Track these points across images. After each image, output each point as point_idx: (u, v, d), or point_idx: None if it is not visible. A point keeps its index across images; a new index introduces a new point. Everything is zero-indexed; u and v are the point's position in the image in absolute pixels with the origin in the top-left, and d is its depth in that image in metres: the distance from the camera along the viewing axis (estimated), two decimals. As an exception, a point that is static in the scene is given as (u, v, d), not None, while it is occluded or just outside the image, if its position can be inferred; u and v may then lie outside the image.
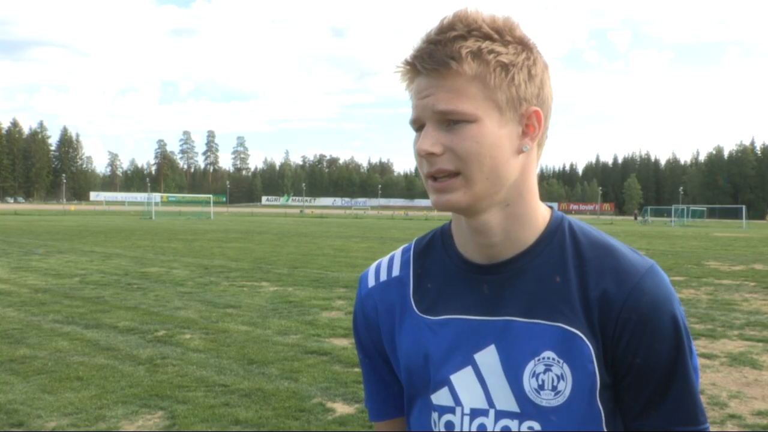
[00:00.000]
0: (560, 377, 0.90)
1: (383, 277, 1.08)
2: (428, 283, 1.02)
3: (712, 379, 6.05)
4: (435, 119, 0.89)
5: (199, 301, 10.11)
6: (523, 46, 0.91)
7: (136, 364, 6.29)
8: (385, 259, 1.10)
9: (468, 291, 0.97)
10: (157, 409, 5.04)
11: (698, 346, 7.39)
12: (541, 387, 0.91)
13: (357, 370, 6.15)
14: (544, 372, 0.91)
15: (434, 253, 1.04)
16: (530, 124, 0.92)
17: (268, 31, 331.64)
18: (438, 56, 0.87)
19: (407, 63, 0.91)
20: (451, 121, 0.88)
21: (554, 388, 0.91)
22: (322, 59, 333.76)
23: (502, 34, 0.89)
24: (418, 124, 0.92)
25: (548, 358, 0.91)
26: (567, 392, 0.90)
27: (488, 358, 0.94)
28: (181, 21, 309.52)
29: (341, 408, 5.10)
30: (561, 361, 0.91)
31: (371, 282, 1.09)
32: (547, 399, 0.91)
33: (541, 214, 0.97)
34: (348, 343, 7.31)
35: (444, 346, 0.97)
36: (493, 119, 0.88)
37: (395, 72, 0.93)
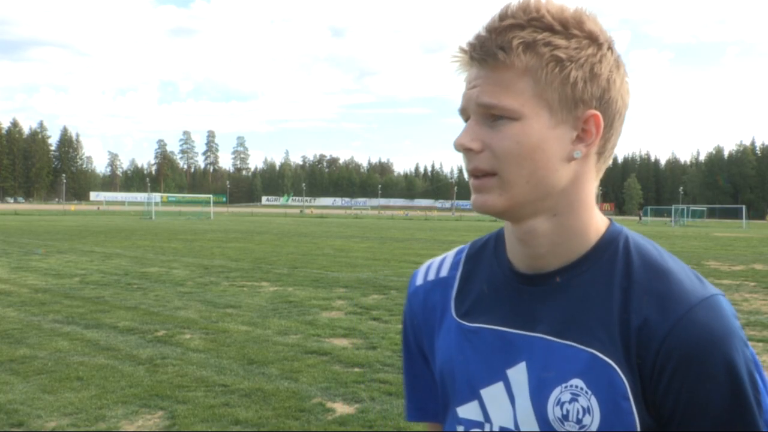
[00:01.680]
0: (586, 410, 0.81)
1: (431, 276, 1.03)
2: (472, 287, 0.96)
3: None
4: (479, 112, 0.83)
5: (199, 301, 10.10)
6: (591, 41, 0.82)
7: (136, 364, 6.29)
8: (437, 259, 1.06)
9: (508, 301, 0.91)
10: (157, 409, 5.03)
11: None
12: (566, 417, 0.82)
13: (357, 370, 6.16)
14: (570, 401, 0.82)
15: (485, 257, 0.98)
16: (587, 129, 0.83)
17: (268, 31, 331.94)
18: (488, 46, 0.81)
19: (462, 50, 0.85)
20: (494, 116, 0.82)
21: (579, 421, 0.81)
22: (322, 59, 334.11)
23: (568, 26, 0.81)
24: (465, 116, 0.86)
25: (575, 386, 0.82)
26: (593, 428, 0.80)
27: (519, 375, 0.87)
28: (180, 21, 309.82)
29: (341, 408, 5.09)
30: (589, 392, 0.81)
31: (419, 280, 1.04)
32: (571, 431, 0.82)
33: (594, 227, 0.88)
34: (348, 343, 7.32)
35: (477, 356, 0.91)
36: (541, 119, 0.81)
37: (451, 61, 0.86)
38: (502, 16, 0.83)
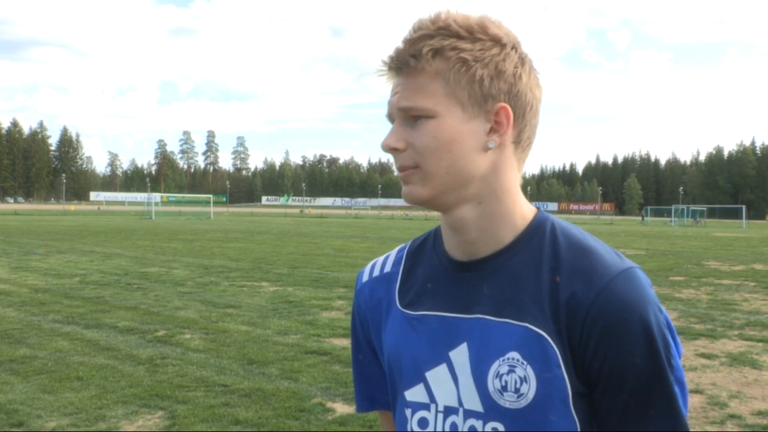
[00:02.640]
0: (523, 379, 0.88)
1: (376, 273, 1.10)
2: (414, 279, 1.03)
3: (712, 379, 6.05)
4: (400, 116, 0.91)
5: (199, 301, 10.11)
6: (495, 42, 0.90)
7: (136, 364, 6.29)
8: (381, 258, 1.13)
9: (447, 287, 0.98)
10: (157, 409, 5.04)
11: (698, 346, 7.39)
12: (504, 388, 0.89)
13: (357, 370, 6.16)
14: (508, 373, 0.89)
15: (425, 252, 1.05)
16: (499, 121, 0.90)
17: (267, 31, 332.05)
18: (402, 55, 0.90)
19: (383, 62, 0.93)
20: (414, 117, 0.90)
21: (517, 390, 0.89)
22: (322, 59, 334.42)
23: (473, 32, 0.89)
24: (391, 120, 0.94)
25: (512, 358, 0.89)
26: (530, 395, 0.88)
27: (461, 356, 0.94)
28: (179, 21, 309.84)
29: (341, 408, 5.10)
30: (525, 362, 0.89)
31: (365, 278, 1.12)
32: (510, 401, 0.89)
33: (520, 214, 0.96)
34: (348, 343, 7.30)
35: (421, 342, 0.97)
36: (455, 115, 0.89)
37: (378, 75, 0.95)
38: (414, 29, 0.91)
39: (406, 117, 0.91)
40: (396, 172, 0.96)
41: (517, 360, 0.89)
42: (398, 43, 0.92)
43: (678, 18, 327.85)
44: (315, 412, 4.99)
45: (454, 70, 0.88)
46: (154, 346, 7.00)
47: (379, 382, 1.10)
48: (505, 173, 0.93)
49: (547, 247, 0.94)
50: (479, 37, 0.89)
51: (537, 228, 0.95)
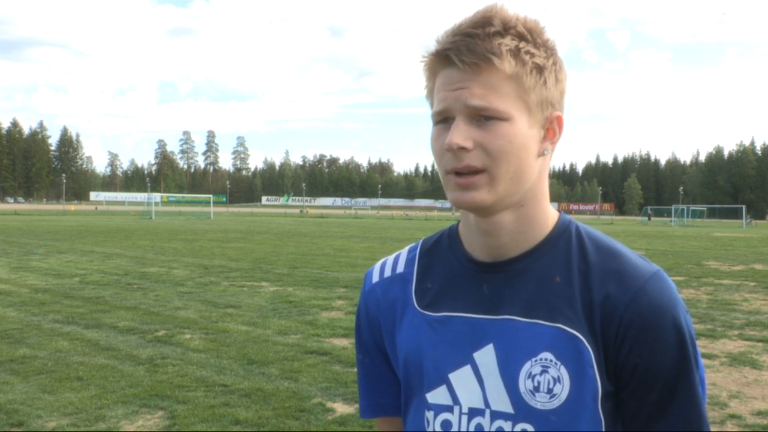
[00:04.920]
0: (557, 380, 0.88)
1: (387, 273, 1.07)
2: (431, 280, 1.01)
3: (712, 379, 6.05)
4: (466, 113, 0.87)
5: (199, 301, 10.11)
6: (551, 50, 0.91)
7: (136, 364, 6.29)
8: (391, 257, 1.10)
9: (470, 289, 0.97)
10: (157, 409, 5.04)
11: (698, 346, 7.39)
12: (537, 389, 0.89)
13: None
14: (541, 373, 0.89)
15: (440, 252, 1.03)
16: (551, 128, 0.92)
17: (267, 31, 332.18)
18: (479, 50, 0.86)
19: (439, 54, 0.88)
20: (482, 117, 0.87)
21: (550, 391, 0.88)
22: (321, 59, 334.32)
23: (534, 36, 0.89)
24: (444, 116, 0.90)
25: (545, 359, 0.89)
26: (563, 396, 0.88)
27: (486, 357, 0.93)
28: (179, 21, 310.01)
29: (341, 408, 5.10)
30: (558, 363, 0.89)
31: (375, 278, 1.09)
32: (542, 401, 0.89)
33: (550, 216, 0.97)
34: (348, 343, 7.31)
35: (443, 343, 0.96)
36: (524, 120, 0.88)
37: (421, 62, 0.91)
38: (479, 23, 0.88)
39: (473, 116, 0.87)
40: (442, 173, 0.91)
41: (551, 360, 0.89)
42: (456, 35, 0.88)
43: (677, 18, 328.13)
44: (315, 412, 4.99)
45: (531, 75, 0.88)
46: (154, 346, 7.00)
47: (386, 387, 1.07)
48: (545, 178, 0.96)
49: (574, 249, 0.94)
50: (538, 41, 0.90)
51: (563, 230, 0.97)
